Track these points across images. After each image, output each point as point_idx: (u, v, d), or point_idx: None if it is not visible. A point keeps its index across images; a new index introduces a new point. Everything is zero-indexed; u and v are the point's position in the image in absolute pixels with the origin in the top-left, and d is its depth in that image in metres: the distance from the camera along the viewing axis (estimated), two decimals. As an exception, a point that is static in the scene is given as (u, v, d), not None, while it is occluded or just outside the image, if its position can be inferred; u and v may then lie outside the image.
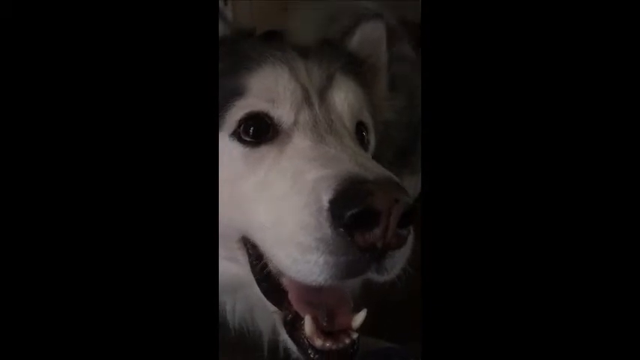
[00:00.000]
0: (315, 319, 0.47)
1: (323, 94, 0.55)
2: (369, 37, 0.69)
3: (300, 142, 0.50)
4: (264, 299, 0.53)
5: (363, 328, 0.49)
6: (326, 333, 0.47)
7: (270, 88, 0.53)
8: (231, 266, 0.56)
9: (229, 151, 0.53)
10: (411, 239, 0.43)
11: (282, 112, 0.52)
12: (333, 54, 0.61)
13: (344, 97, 0.56)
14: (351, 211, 0.39)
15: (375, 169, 0.43)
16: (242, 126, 0.52)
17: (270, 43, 0.61)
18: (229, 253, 0.55)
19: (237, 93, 0.53)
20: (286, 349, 0.59)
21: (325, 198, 0.41)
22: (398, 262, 0.43)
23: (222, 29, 0.59)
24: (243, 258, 0.55)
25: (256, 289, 0.55)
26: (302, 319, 0.48)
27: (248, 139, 0.52)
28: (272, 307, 0.52)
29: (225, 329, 0.61)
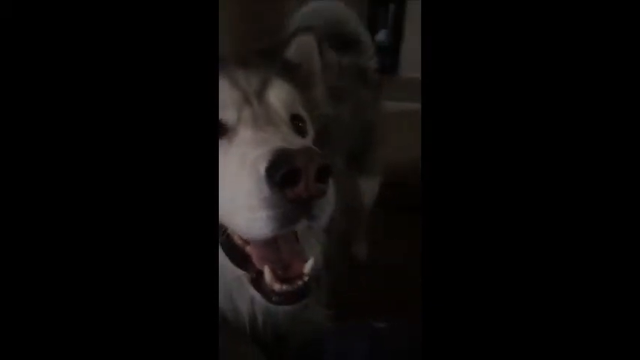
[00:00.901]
0: (273, 270, 0.59)
1: (260, 94, 0.68)
2: (302, 48, 0.82)
3: (244, 133, 0.62)
4: (231, 269, 0.64)
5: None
6: (282, 279, 0.58)
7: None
8: None
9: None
10: (330, 192, 0.55)
11: (227, 114, 0.64)
12: (269, 62, 0.74)
13: (277, 94, 0.69)
14: (279, 172, 0.51)
15: (297, 143, 0.55)
16: None
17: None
18: None
19: None
20: (264, 321, 0.70)
21: (262, 168, 0.53)
22: (324, 210, 0.55)
23: None
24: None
25: (230, 273, 0.66)
26: (263, 272, 0.60)
27: None
28: (240, 272, 0.64)
29: None
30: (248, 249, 0.63)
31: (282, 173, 0.51)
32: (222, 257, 0.65)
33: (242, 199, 0.55)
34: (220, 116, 0.65)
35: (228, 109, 0.64)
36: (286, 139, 0.58)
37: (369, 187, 1.40)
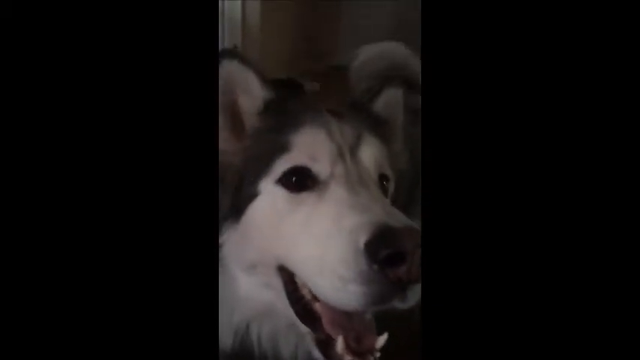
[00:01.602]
0: (345, 340, 0.57)
1: (353, 150, 0.66)
2: (390, 100, 0.81)
3: (337, 191, 0.60)
4: (296, 323, 0.63)
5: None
6: (354, 352, 0.56)
7: (311, 146, 0.64)
8: (264, 292, 0.66)
9: (274, 195, 0.63)
10: None
11: (321, 167, 0.63)
12: (361, 115, 0.73)
13: (370, 154, 0.67)
14: (385, 251, 0.49)
15: (400, 218, 0.54)
16: (286, 175, 0.63)
17: (311, 105, 0.73)
18: (265, 279, 0.65)
19: (283, 148, 0.64)
20: None
21: (362, 240, 0.51)
22: (417, 292, 0.53)
23: (263, 92, 0.70)
24: (278, 285, 0.64)
25: (284, 317, 0.64)
26: (333, 339, 0.57)
27: (291, 186, 0.63)
28: (305, 329, 0.62)
29: (247, 354, 0.70)
30: (317, 307, 0.61)
31: (387, 253, 0.49)
32: (283, 303, 0.63)
33: (333, 264, 0.53)
34: (312, 167, 0.63)
35: (322, 163, 0.63)
36: (385, 208, 0.56)
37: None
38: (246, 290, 0.68)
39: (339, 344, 0.56)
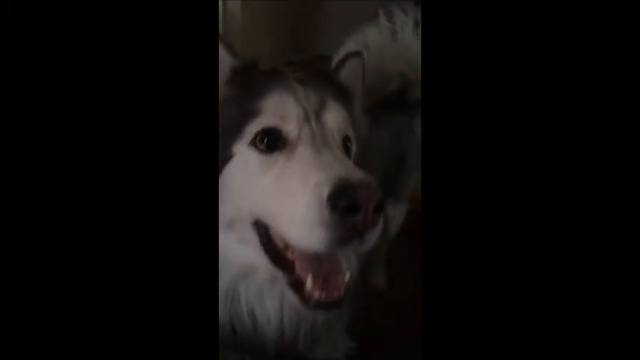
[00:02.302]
0: (314, 279, 0.66)
1: (318, 114, 0.73)
2: (353, 70, 0.88)
3: (304, 151, 0.68)
4: (273, 273, 0.71)
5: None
6: (321, 288, 0.66)
7: (280, 109, 0.71)
8: (242, 249, 0.74)
9: (248, 157, 0.70)
10: (380, 221, 0.62)
11: (289, 128, 0.70)
12: (325, 83, 0.80)
13: (334, 117, 0.75)
14: (344, 202, 0.57)
15: (358, 175, 0.62)
16: (258, 137, 0.70)
17: (278, 74, 0.80)
18: (241, 235, 0.73)
19: (254, 113, 0.71)
20: (290, 322, 0.76)
21: (324, 193, 0.59)
22: (373, 236, 0.62)
23: (230, 60, 0.76)
24: (254, 239, 0.72)
25: (263, 272, 0.73)
26: (303, 280, 0.67)
27: (262, 147, 0.70)
28: (279, 273, 0.70)
29: (238, 310, 0.77)
30: (289, 254, 0.69)
31: (344, 205, 0.57)
32: (258, 255, 0.72)
33: (300, 213, 0.61)
34: (282, 128, 0.70)
35: (291, 124, 0.70)
36: (346, 167, 0.64)
37: (396, 214, 1.38)
38: (225, 249, 0.76)
39: (309, 281, 0.65)
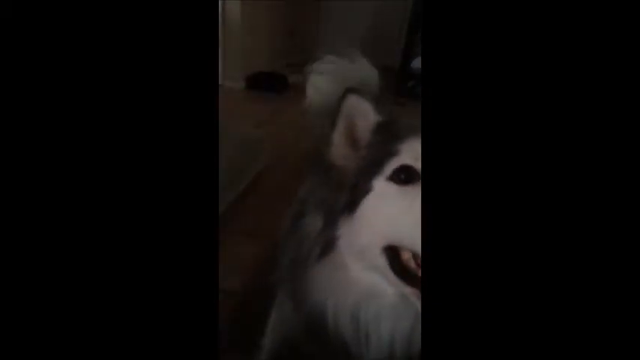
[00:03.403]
0: None
1: None
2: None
3: None
4: (397, 299, 0.82)
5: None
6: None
7: (415, 151, 0.85)
8: (369, 275, 0.86)
9: (386, 189, 0.85)
10: None
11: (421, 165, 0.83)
12: None
13: None
14: None
15: None
16: (395, 173, 0.85)
17: (410, 124, 0.96)
18: (370, 262, 0.85)
19: (393, 154, 0.86)
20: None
21: None
22: None
23: (377, 118, 0.94)
24: (383, 263, 0.84)
25: (386, 296, 0.83)
26: None
27: (400, 180, 0.84)
28: (410, 290, 0.80)
29: (358, 332, 0.87)
30: (419, 270, 0.80)
31: None
32: (384, 279, 0.83)
33: None
34: (416, 166, 0.84)
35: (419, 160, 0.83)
36: None
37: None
38: (354, 276, 0.89)
39: None
